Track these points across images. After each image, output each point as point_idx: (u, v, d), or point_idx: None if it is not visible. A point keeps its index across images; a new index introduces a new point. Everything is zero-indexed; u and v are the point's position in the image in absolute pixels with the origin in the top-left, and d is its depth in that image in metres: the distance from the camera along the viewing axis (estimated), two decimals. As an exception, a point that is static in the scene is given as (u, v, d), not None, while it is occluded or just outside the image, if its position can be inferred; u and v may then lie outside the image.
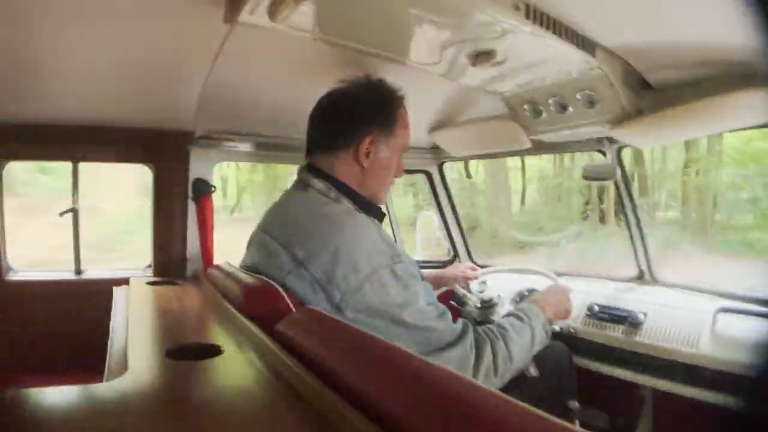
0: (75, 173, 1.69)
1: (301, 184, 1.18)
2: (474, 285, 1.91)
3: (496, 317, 1.59)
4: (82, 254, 1.76)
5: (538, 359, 1.23)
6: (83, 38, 1.22)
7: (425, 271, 1.75)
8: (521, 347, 1.09)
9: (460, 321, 1.06)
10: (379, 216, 1.19)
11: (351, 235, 1.04)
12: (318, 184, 1.14)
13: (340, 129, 1.16)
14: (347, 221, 1.07)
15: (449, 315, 1.06)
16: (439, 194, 2.31)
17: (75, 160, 1.68)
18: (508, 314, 1.19)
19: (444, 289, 1.79)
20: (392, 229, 2.32)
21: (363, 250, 1.02)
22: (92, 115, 1.53)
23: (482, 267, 1.89)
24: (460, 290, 1.78)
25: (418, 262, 1.16)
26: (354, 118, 1.16)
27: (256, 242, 1.22)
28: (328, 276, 0.99)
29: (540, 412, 0.46)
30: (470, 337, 1.03)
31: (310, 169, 1.18)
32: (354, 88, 1.20)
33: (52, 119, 1.50)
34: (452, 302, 1.79)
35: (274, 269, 1.07)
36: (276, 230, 1.14)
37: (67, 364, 1.41)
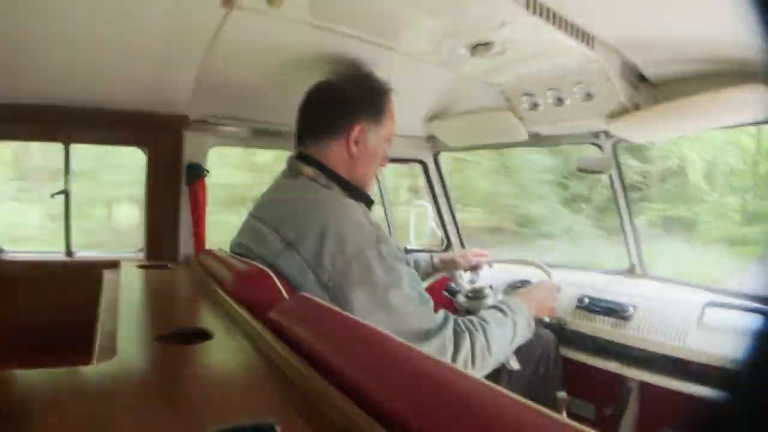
0: (67, 155, 1.67)
1: (291, 172, 1.21)
2: (467, 275, 1.92)
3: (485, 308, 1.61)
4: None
5: (524, 348, 1.25)
6: (77, 19, 1.20)
7: (441, 254, 1.78)
8: (501, 340, 1.10)
9: (441, 311, 1.07)
10: (368, 202, 1.23)
11: (337, 216, 1.07)
12: (308, 170, 1.17)
13: (331, 117, 1.20)
14: (334, 204, 1.11)
15: (431, 303, 1.07)
16: (434, 184, 2.31)
17: (67, 142, 1.66)
18: (492, 307, 1.20)
19: (438, 276, 1.80)
20: (386, 216, 2.32)
21: (349, 231, 1.04)
22: (85, 97, 1.51)
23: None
24: (456, 277, 1.79)
25: (411, 250, 1.17)
26: (345, 107, 1.20)
27: (245, 228, 1.24)
28: (317, 257, 1.02)
29: (528, 402, 0.46)
30: (450, 328, 1.04)
31: (300, 157, 1.21)
32: (344, 79, 1.26)
33: (44, 100, 1.48)
34: (444, 293, 1.80)
35: (265, 253, 1.09)
36: (266, 215, 1.17)
37: (55, 346, 1.40)
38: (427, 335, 1.01)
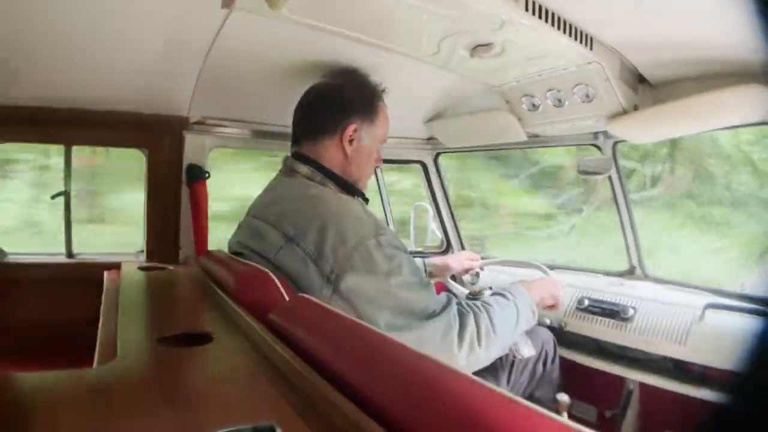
0: (67, 156, 1.67)
1: (288, 171, 1.24)
2: (466, 277, 1.92)
3: None
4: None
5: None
6: (77, 21, 1.20)
7: (433, 259, 1.78)
8: (505, 321, 1.12)
9: (443, 293, 1.10)
10: (363, 199, 1.27)
11: (336, 209, 1.10)
12: (304, 169, 1.21)
13: (325, 117, 1.24)
14: (333, 199, 1.15)
15: (432, 286, 1.09)
16: (434, 185, 2.32)
17: (68, 144, 1.66)
18: (494, 293, 1.22)
19: (436, 279, 1.80)
20: (386, 215, 2.33)
21: (349, 222, 1.07)
22: (86, 99, 1.51)
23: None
24: (451, 282, 1.79)
25: (411, 252, 1.18)
26: (339, 107, 1.24)
27: (244, 227, 1.27)
28: (318, 249, 1.04)
29: (528, 404, 0.46)
30: (453, 307, 1.06)
31: (296, 157, 1.24)
32: (338, 81, 1.30)
33: (45, 102, 1.48)
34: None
35: (264, 248, 1.12)
36: (265, 213, 1.19)
37: (57, 348, 1.40)
38: (431, 315, 1.03)
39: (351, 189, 1.23)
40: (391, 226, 2.30)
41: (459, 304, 1.09)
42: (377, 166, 1.33)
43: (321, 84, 1.31)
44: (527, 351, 1.28)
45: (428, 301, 1.05)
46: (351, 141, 1.23)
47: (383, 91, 1.31)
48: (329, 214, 1.08)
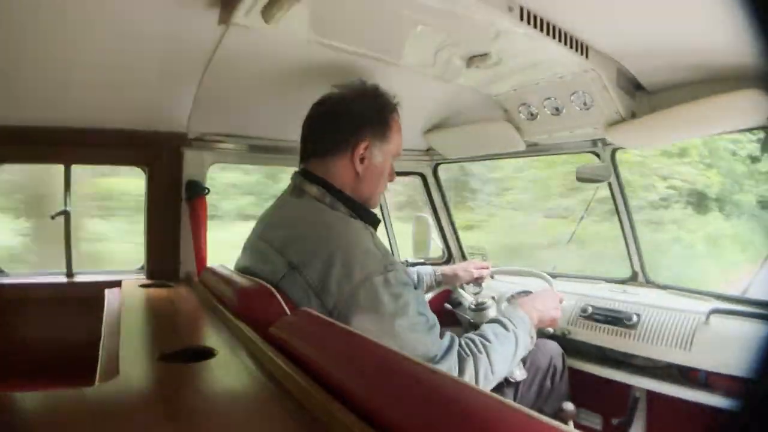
0: (67, 176, 1.68)
1: (296, 190, 1.18)
2: (470, 287, 1.92)
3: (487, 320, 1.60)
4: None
5: (531, 361, 1.24)
6: (76, 41, 1.22)
7: (443, 268, 1.77)
8: (504, 358, 1.09)
9: (447, 336, 1.06)
10: (374, 222, 1.19)
11: (345, 241, 1.04)
12: (313, 189, 1.14)
13: (335, 134, 1.16)
14: (342, 228, 1.08)
15: (437, 328, 1.06)
16: (434, 196, 2.32)
17: (68, 163, 1.67)
18: (494, 320, 1.18)
19: (442, 288, 1.80)
20: (387, 231, 2.32)
21: (357, 257, 1.01)
22: (85, 117, 1.52)
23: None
24: (459, 291, 1.78)
25: (412, 264, 1.17)
26: (350, 123, 1.16)
27: (250, 247, 1.22)
28: (322, 282, 1.00)
29: (534, 414, 0.46)
30: (454, 353, 1.03)
31: (304, 175, 1.18)
32: (349, 94, 1.21)
33: (45, 121, 1.49)
34: (446, 305, 1.79)
35: (268, 273, 1.07)
36: (271, 236, 1.14)
37: (58, 368, 1.39)
38: (432, 361, 1.00)
39: (362, 211, 1.17)
40: (393, 241, 2.29)
41: (460, 345, 1.06)
42: (390, 180, 1.26)
43: (330, 97, 1.22)
44: (520, 375, 1.28)
45: (431, 346, 1.01)
46: (362, 159, 1.16)
47: (396, 104, 1.23)
48: (337, 245, 1.02)
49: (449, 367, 1.01)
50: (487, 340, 1.09)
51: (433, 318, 1.07)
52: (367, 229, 1.11)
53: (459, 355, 1.04)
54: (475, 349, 1.06)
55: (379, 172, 1.20)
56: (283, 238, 1.10)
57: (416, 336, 1.00)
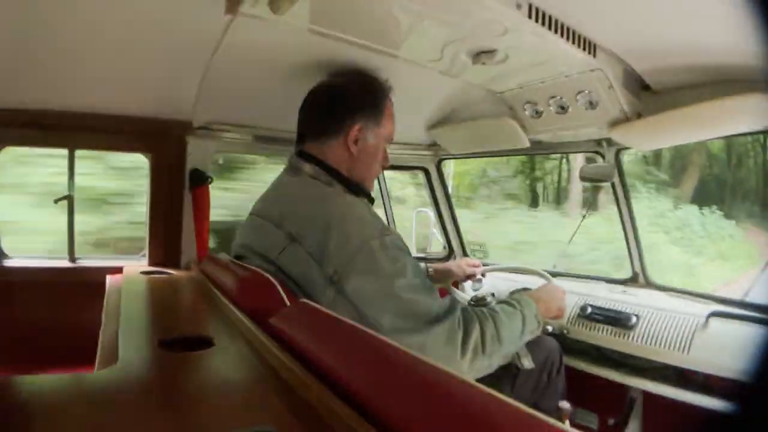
0: (71, 160, 1.68)
1: (292, 170, 1.23)
2: (469, 283, 1.92)
3: None
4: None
5: (530, 353, 1.24)
6: (82, 26, 1.21)
7: (435, 264, 1.78)
8: (511, 330, 1.10)
9: (448, 297, 1.08)
10: (369, 199, 1.25)
11: (341, 210, 1.08)
12: (309, 168, 1.19)
13: (330, 117, 1.22)
14: (337, 199, 1.13)
15: (436, 290, 1.08)
16: (437, 191, 2.32)
17: (71, 148, 1.67)
18: (500, 301, 1.21)
19: (437, 285, 1.80)
20: (388, 220, 2.33)
21: (353, 223, 1.05)
22: (90, 103, 1.52)
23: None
24: (453, 289, 1.79)
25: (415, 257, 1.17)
26: (344, 106, 1.22)
27: (247, 226, 1.25)
28: (321, 249, 1.03)
29: (531, 411, 0.46)
30: (458, 313, 1.05)
31: (301, 155, 1.23)
32: (344, 79, 1.29)
33: (50, 106, 1.49)
34: None
35: (267, 248, 1.11)
36: (268, 212, 1.18)
37: (59, 352, 1.40)
38: (436, 319, 1.01)
39: (356, 189, 1.22)
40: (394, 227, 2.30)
41: (464, 309, 1.08)
42: (384, 166, 1.31)
43: (325, 83, 1.31)
44: (528, 363, 1.28)
45: (432, 305, 1.03)
46: (356, 141, 1.21)
47: (390, 88, 1.30)
48: (333, 214, 1.06)
49: (453, 324, 1.02)
50: (494, 311, 1.12)
51: (430, 283, 1.09)
52: (362, 200, 1.16)
53: (465, 316, 1.05)
54: (481, 315, 1.08)
55: (372, 153, 1.25)
56: (281, 213, 1.13)
57: (416, 296, 1.02)
